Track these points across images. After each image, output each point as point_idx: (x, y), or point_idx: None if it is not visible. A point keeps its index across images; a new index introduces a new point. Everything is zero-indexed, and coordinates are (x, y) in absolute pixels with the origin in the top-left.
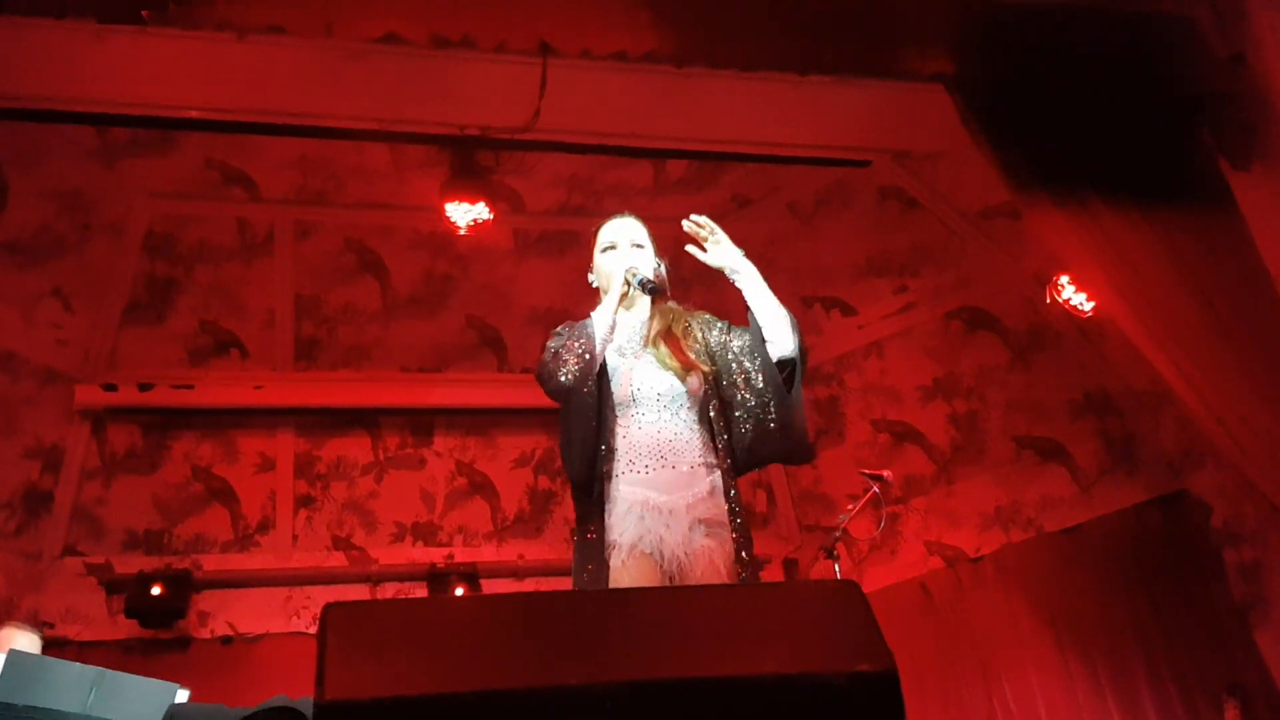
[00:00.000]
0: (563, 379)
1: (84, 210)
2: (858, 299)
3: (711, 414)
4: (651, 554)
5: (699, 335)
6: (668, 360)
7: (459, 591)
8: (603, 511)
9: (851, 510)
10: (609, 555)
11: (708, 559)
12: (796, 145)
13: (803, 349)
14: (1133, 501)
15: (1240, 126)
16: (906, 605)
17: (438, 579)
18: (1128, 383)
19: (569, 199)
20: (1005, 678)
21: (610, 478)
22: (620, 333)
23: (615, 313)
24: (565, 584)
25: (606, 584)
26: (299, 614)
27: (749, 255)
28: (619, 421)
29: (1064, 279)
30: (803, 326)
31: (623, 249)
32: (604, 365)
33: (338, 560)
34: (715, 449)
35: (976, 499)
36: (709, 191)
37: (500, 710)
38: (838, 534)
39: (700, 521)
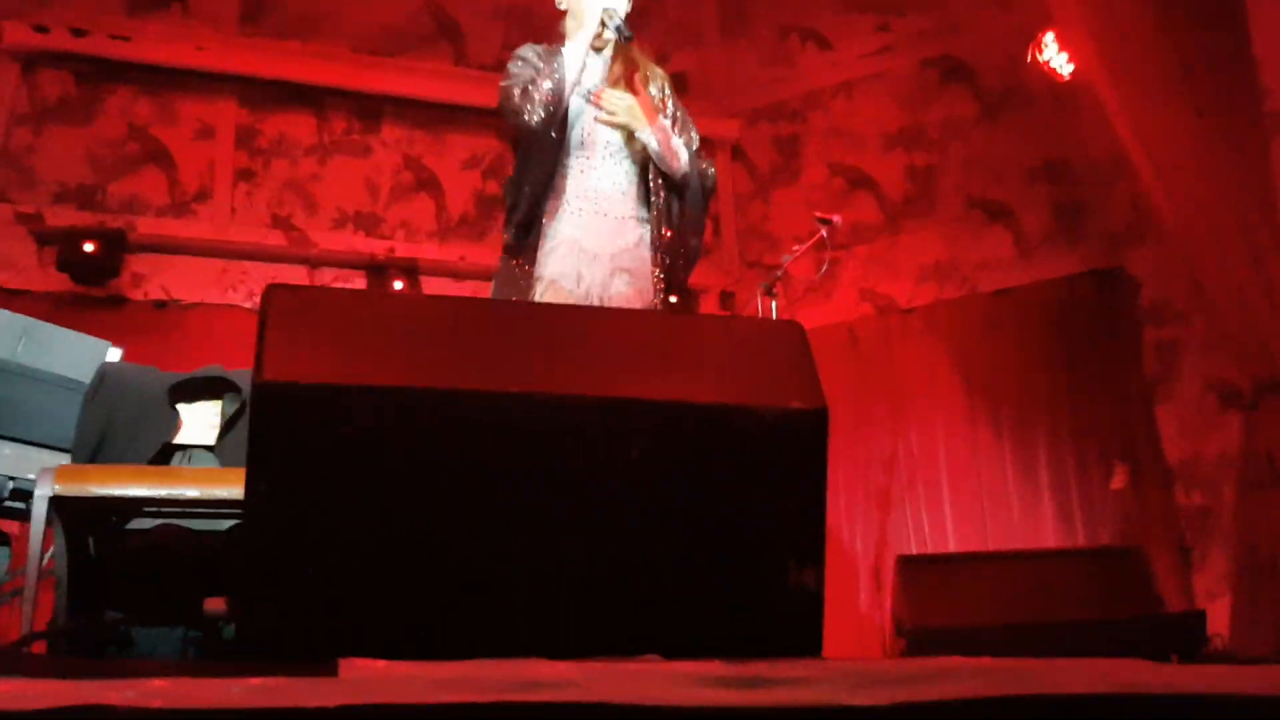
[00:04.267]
0: (530, 119)
1: None
2: (836, 33)
3: (650, 170)
4: (571, 292)
5: (656, 91)
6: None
7: (398, 285)
8: (535, 247)
9: (797, 251)
10: (532, 286)
11: (623, 305)
12: None
13: (693, 180)
14: (1069, 272)
15: None
16: (831, 347)
17: (377, 270)
18: (1089, 154)
19: None
20: (913, 426)
21: (547, 215)
22: (587, 75)
23: (586, 55)
24: None
25: None
26: (235, 287)
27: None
28: (566, 163)
29: (1049, 36)
30: (776, 56)
31: None
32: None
33: (277, 239)
34: (650, 203)
35: (918, 252)
36: None
37: (437, 408)
38: (779, 273)
39: (623, 270)
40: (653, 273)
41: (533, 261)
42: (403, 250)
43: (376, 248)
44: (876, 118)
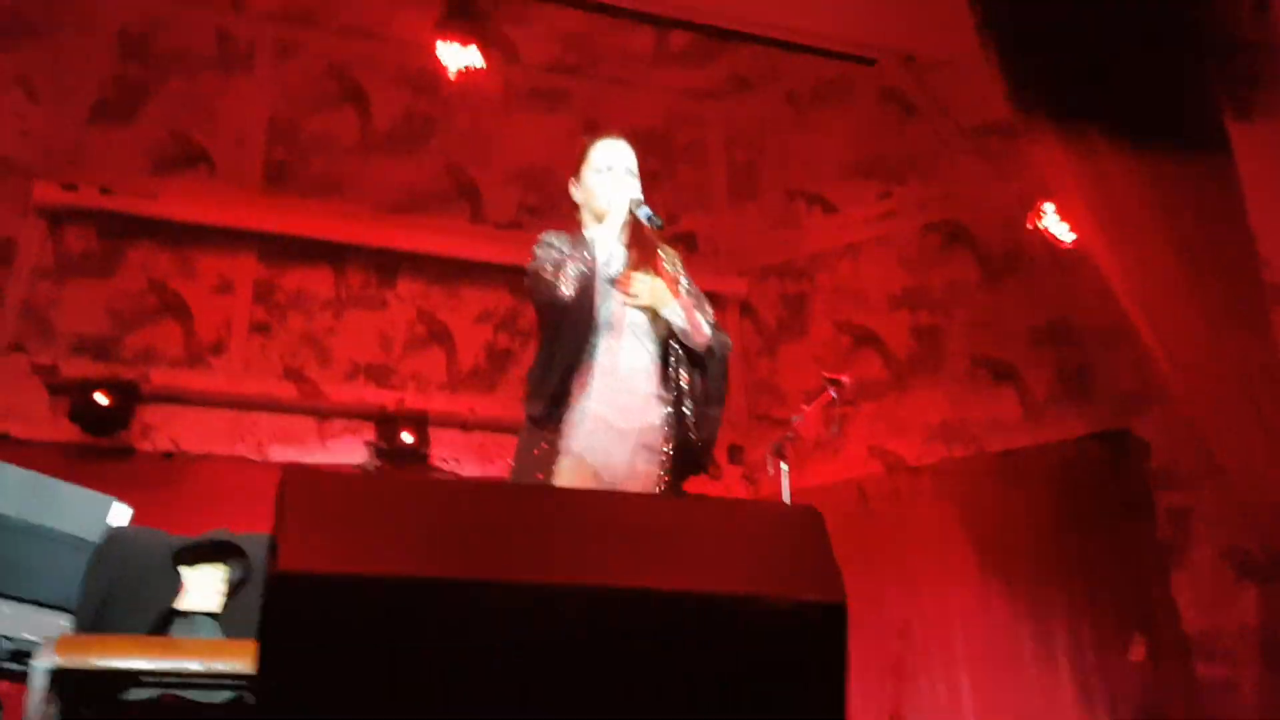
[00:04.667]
0: (563, 294)
1: None
2: (841, 199)
3: (672, 348)
4: (597, 467)
5: (670, 269)
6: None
7: (406, 436)
8: (563, 421)
9: (806, 412)
10: (557, 460)
11: (643, 485)
12: (804, 33)
13: (715, 351)
14: (1076, 434)
15: (1251, 78)
16: (841, 505)
17: (387, 422)
18: (1092, 318)
19: (564, 56)
20: (926, 589)
21: (576, 391)
22: (611, 259)
23: (613, 242)
24: (514, 441)
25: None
26: (244, 438)
27: (738, 145)
28: (595, 342)
29: (1048, 206)
30: (783, 219)
31: (620, 174)
32: None
33: (288, 391)
34: (669, 381)
35: (925, 411)
36: (708, 68)
37: (454, 598)
38: (789, 434)
39: (646, 447)
40: (663, 447)
41: (559, 435)
42: (412, 401)
43: (387, 399)
44: (881, 278)
